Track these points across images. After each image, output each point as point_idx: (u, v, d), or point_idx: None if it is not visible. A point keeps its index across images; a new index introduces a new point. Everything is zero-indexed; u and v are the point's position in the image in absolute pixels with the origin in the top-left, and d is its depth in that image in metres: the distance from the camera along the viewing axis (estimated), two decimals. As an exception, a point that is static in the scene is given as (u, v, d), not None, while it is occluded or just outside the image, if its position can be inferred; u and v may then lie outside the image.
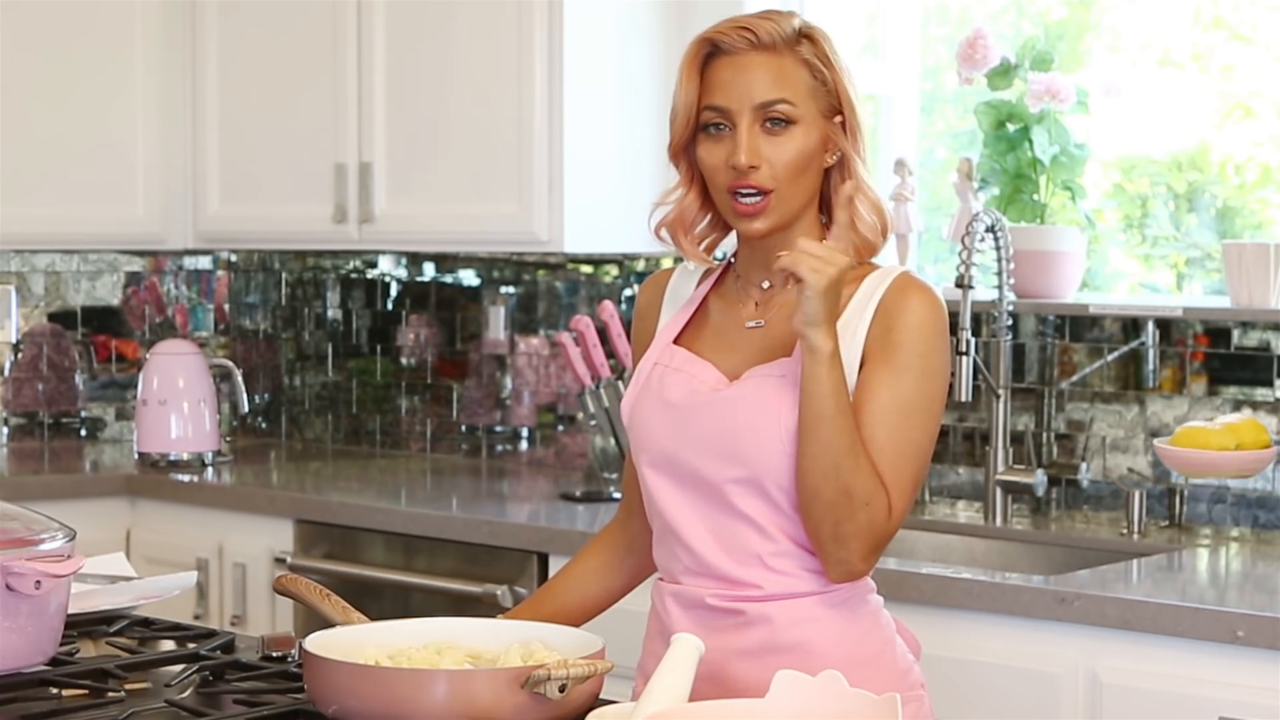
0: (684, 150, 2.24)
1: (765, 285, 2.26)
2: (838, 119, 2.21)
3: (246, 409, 4.74)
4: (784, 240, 2.21)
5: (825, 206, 2.25)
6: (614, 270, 4.40)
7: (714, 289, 2.31)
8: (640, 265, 4.33)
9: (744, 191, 2.17)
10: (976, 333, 3.69)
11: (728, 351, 2.24)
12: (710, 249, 2.31)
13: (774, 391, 2.15)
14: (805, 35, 2.20)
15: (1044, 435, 3.76)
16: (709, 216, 2.28)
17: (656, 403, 2.24)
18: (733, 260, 2.31)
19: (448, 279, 4.74)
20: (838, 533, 2.12)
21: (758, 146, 2.16)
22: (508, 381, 4.61)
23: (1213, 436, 3.23)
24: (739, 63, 2.18)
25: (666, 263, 4.25)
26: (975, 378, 3.59)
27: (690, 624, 2.20)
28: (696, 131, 2.21)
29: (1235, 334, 3.56)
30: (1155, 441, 3.26)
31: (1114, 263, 4.06)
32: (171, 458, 4.49)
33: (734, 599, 2.19)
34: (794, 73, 2.17)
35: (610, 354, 4.00)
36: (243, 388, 4.66)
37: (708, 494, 2.20)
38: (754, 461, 2.15)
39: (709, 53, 2.20)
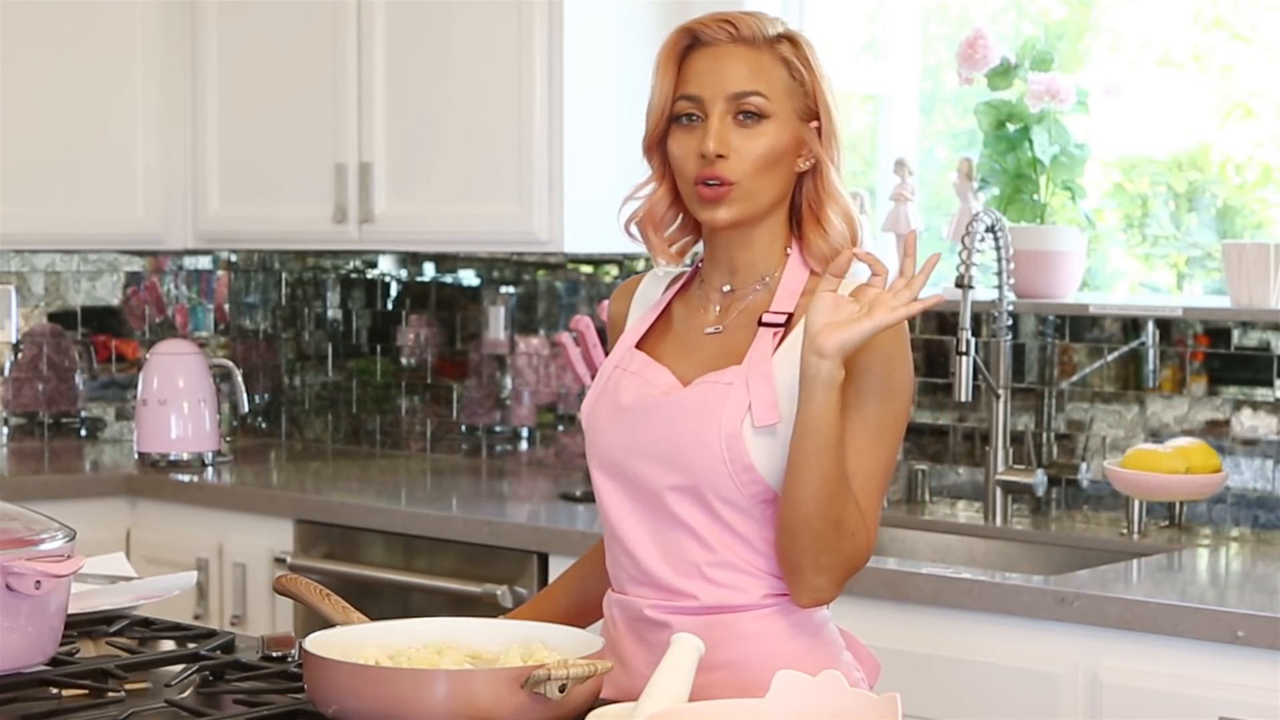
0: (657, 145, 2.22)
1: (725, 289, 2.24)
2: (814, 124, 2.18)
3: (246, 409, 4.74)
4: (748, 238, 2.20)
5: (798, 216, 2.22)
6: (614, 270, 4.40)
7: (678, 295, 2.29)
8: (640, 265, 4.32)
9: (710, 180, 2.15)
10: (976, 333, 3.69)
11: (684, 357, 2.22)
12: (682, 252, 2.28)
13: (719, 398, 2.13)
14: (787, 37, 2.19)
15: (1044, 435, 3.76)
16: (680, 217, 2.26)
17: (610, 406, 2.23)
18: (700, 266, 2.29)
19: (448, 279, 4.74)
20: (819, 563, 2.08)
21: (728, 137, 2.14)
22: (508, 381, 4.61)
23: (1163, 459, 3.26)
24: (716, 53, 2.16)
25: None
26: (975, 378, 3.58)
27: (630, 637, 2.19)
28: (670, 124, 2.20)
29: (1235, 334, 3.56)
30: (1105, 463, 3.28)
31: (1114, 262, 4.06)
32: (171, 458, 4.49)
33: (670, 610, 2.16)
34: (771, 69, 2.16)
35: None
36: (243, 388, 4.66)
37: (650, 501, 2.17)
38: (693, 469, 2.13)
39: (688, 45, 2.19)
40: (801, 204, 2.21)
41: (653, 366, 2.22)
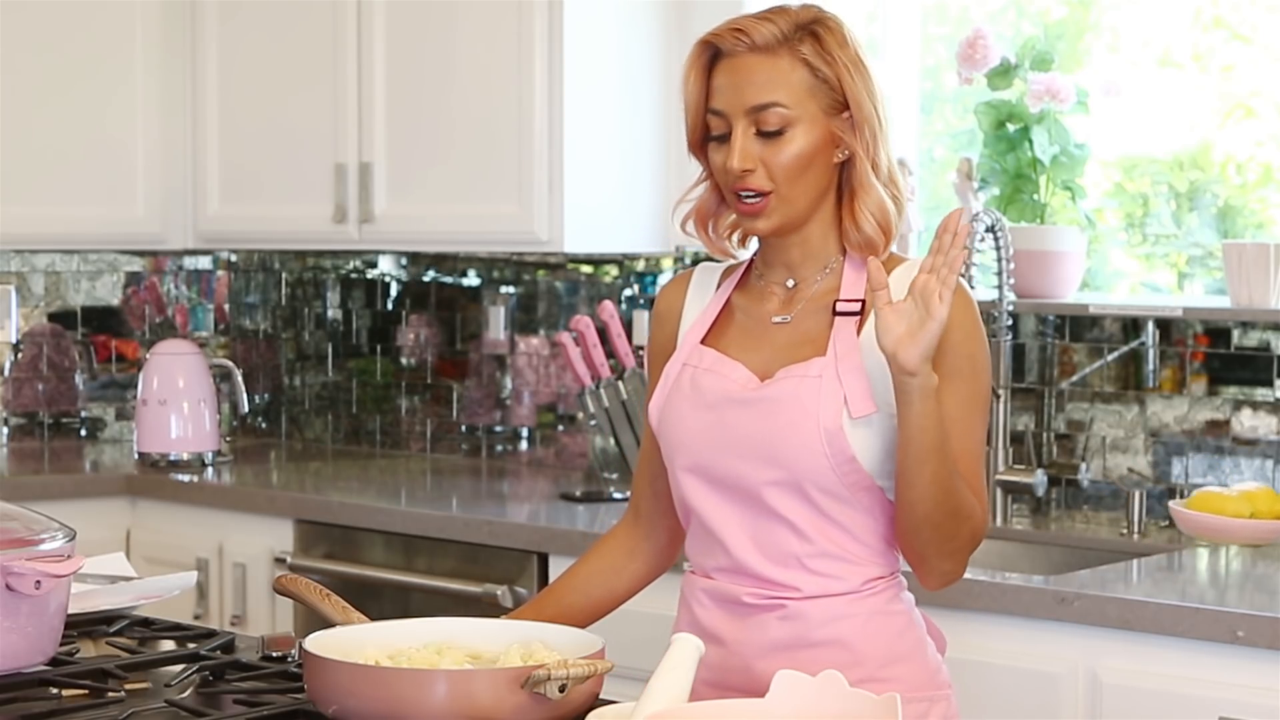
0: (700, 147, 2.23)
1: (790, 284, 2.24)
2: (845, 115, 2.17)
3: (246, 409, 4.74)
4: (800, 235, 2.20)
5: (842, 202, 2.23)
6: (614, 270, 4.40)
7: (737, 288, 2.29)
8: (640, 265, 4.33)
9: (745, 193, 2.16)
10: (976, 333, 3.68)
11: (755, 349, 2.22)
12: (743, 241, 2.28)
13: (811, 393, 2.13)
14: (811, 31, 2.16)
15: (1044, 435, 3.76)
16: (731, 212, 2.26)
17: (690, 405, 2.22)
18: (754, 258, 2.30)
19: (448, 279, 4.74)
20: (945, 549, 2.13)
21: (752, 150, 2.14)
22: (508, 381, 4.61)
23: (1228, 503, 3.26)
24: (734, 65, 2.16)
25: (666, 263, 4.25)
26: (975, 378, 3.58)
27: (724, 617, 2.20)
28: (708, 131, 2.20)
29: (1235, 334, 3.56)
30: (1171, 504, 3.29)
31: (1114, 262, 4.06)
32: (171, 458, 4.49)
33: (770, 599, 2.18)
34: (790, 74, 2.14)
35: (610, 354, 4.00)
36: (243, 388, 4.66)
37: (744, 497, 2.18)
38: (793, 464, 2.14)
39: (713, 54, 2.19)
40: (844, 191, 2.21)
41: (725, 362, 2.22)
